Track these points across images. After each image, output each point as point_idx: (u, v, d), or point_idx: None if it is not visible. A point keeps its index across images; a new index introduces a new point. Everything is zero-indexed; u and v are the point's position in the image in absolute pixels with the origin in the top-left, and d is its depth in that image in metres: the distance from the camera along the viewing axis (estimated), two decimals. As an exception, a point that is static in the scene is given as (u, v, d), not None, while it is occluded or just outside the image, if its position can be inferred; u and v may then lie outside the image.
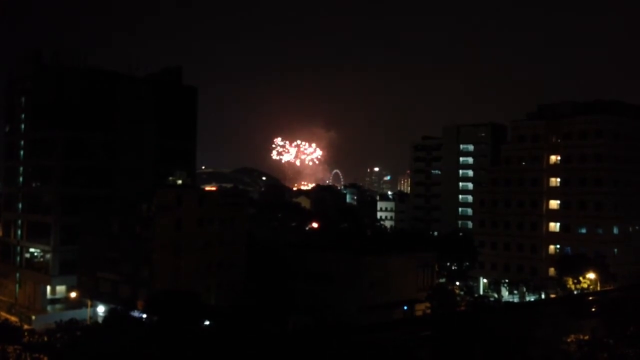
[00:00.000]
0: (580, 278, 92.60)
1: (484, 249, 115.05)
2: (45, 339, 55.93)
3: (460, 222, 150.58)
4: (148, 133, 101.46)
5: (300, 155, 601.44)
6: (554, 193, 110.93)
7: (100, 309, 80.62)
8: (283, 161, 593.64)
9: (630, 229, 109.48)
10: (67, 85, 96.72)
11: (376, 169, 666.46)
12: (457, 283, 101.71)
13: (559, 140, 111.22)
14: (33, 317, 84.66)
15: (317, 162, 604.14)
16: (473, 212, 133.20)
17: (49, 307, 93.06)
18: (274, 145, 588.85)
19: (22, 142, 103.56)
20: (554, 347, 57.02)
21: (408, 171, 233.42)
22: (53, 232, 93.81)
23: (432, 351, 55.49)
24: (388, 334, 61.33)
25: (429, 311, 76.56)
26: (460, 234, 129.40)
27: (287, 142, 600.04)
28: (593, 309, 78.70)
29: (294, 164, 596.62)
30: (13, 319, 79.86)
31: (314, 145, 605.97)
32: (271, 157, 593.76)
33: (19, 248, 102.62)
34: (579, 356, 55.09)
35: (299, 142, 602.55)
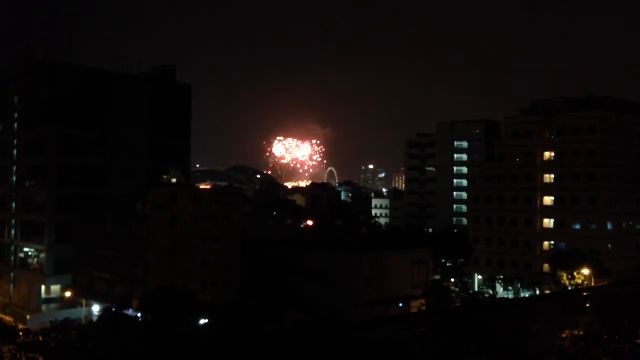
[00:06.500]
0: (575, 274, 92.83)
1: (478, 245, 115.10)
2: (41, 338, 55.81)
3: (455, 218, 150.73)
4: (142, 131, 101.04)
5: (295, 153, 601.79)
6: (548, 189, 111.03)
7: (96, 308, 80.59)
8: (279, 159, 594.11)
9: (624, 224, 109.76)
10: (61, 84, 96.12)
11: (371, 166, 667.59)
12: (453, 280, 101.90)
13: (552, 137, 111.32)
14: (28, 317, 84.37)
15: (312, 159, 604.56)
16: (468, 209, 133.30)
17: (44, 307, 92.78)
18: (270, 142, 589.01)
19: (16, 141, 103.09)
20: (549, 342, 57.18)
21: (403, 168, 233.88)
22: (47, 232, 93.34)
23: (428, 347, 55.50)
24: (383, 330, 61.43)
25: (424, 308, 76.60)
26: (455, 230, 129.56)
27: (283, 139, 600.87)
28: (588, 305, 78.94)
29: (289, 162, 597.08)
30: (8, 319, 79.53)
31: (309, 143, 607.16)
32: (266, 155, 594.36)
33: (13, 248, 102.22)
34: (574, 351, 55.24)
35: (294, 140, 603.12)
